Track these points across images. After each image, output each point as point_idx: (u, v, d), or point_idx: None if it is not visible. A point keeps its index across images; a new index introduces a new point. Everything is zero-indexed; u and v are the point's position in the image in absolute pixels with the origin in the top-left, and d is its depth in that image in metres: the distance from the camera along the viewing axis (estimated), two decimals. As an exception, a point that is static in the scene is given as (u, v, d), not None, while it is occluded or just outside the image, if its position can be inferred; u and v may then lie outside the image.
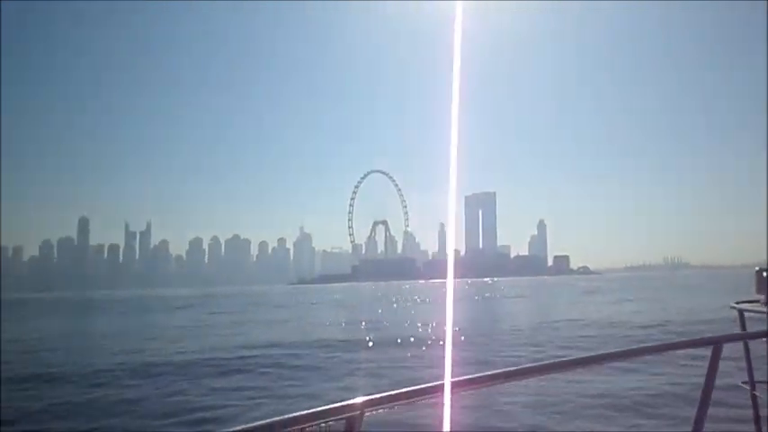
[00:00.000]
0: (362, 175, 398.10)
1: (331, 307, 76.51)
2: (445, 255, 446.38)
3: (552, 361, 2.84)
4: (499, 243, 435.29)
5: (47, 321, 64.88)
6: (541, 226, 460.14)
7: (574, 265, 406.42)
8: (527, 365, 2.76)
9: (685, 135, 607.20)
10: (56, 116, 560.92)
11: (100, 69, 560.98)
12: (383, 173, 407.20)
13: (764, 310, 4.07)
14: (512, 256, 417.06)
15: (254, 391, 18.81)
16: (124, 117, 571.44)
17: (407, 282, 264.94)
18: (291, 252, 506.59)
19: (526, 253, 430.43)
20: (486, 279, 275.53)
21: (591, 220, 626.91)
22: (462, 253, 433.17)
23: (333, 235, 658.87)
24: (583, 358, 3.14)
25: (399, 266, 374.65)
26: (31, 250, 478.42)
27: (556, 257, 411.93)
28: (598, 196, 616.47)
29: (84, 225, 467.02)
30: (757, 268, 4.42)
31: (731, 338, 3.15)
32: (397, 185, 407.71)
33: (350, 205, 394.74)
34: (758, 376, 4.63)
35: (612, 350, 3.35)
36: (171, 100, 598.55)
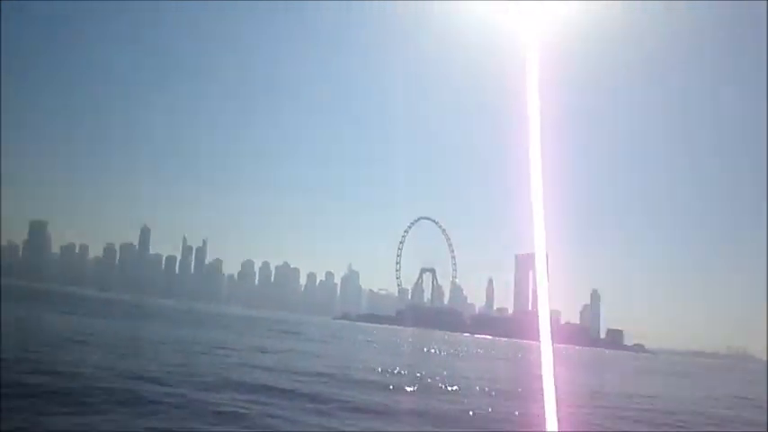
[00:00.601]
0: (413, 221, 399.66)
1: (373, 350, 73.88)
2: (492, 311, 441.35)
3: None
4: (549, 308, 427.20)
5: (99, 321, 66.06)
6: (595, 296, 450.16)
7: (628, 341, 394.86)
8: None
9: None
10: (119, 119, 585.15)
11: (170, 75, 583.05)
12: (433, 220, 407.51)
13: None
14: (562, 322, 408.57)
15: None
16: (184, 130, 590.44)
17: (453, 333, 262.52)
18: (338, 287, 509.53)
19: (577, 321, 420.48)
20: (533, 342, 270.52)
21: (650, 295, 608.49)
22: (510, 312, 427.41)
23: (380, 276, 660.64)
24: None
25: (445, 317, 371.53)
26: (96, 251, 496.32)
27: (609, 330, 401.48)
28: (660, 271, 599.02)
29: (145, 234, 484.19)
30: None
31: None
32: (446, 234, 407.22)
33: (399, 249, 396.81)
34: None
35: None
36: (234, 126, 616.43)
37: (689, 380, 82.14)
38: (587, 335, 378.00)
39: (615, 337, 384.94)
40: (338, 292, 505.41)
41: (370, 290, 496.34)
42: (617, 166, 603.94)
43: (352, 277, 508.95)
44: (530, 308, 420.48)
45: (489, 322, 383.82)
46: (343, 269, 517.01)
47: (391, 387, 31.17)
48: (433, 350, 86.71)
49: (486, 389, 35.19)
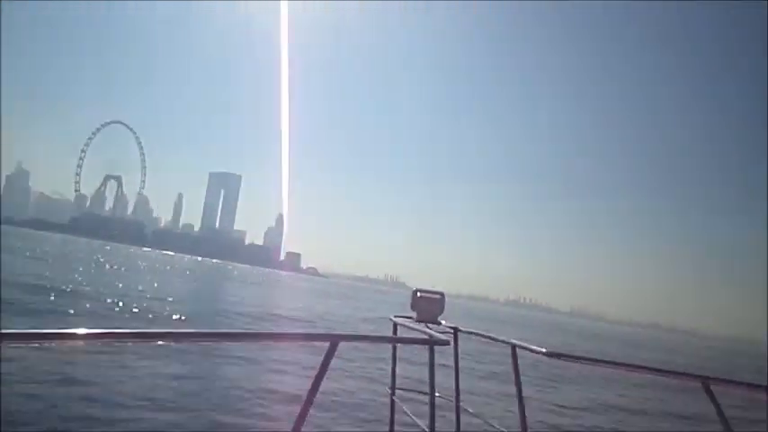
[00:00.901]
0: (104, 123, 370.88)
1: (37, 263, 60.29)
2: (178, 227, 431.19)
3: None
4: (236, 227, 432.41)
5: None
6: (279, 219, 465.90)
7: (304, 264, 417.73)
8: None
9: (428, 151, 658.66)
10: None
11: None
12: (126, 126, 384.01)
13: (412, 324, 4.23)
14: (246, 242, 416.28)
15: None
16: None
17: (133, 247, 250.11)
18: (2, 187, 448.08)
19: (261, 242, 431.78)
20: (215, 260, 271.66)
21: (328, 223, 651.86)
22: (196, 229, 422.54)
23: (57, 179, 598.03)
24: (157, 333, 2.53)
25: (126, 229, 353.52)
26: None
27: (288, 253, 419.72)
28: (339, 201, 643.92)
29: None
30: (414, 289, 4.57)
31: (347, 338, 2.96)
32: (140, 142, 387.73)
33: (82, 151, 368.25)
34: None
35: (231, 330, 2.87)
36: None
37: (355, 302, 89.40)
38: (269, 256, 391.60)
39: (293, 260, 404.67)
40: (1, 191, 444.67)
41: (42, 193, 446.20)
42: (334, 101, 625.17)
43: (20, 177, 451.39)
44: (217, 226, 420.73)
45: (173, 238, 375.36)
46: (10, 167, 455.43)
47: (49, 310, 26.53)
48: (108, 265, 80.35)
49: (164, 308, 33.83)
